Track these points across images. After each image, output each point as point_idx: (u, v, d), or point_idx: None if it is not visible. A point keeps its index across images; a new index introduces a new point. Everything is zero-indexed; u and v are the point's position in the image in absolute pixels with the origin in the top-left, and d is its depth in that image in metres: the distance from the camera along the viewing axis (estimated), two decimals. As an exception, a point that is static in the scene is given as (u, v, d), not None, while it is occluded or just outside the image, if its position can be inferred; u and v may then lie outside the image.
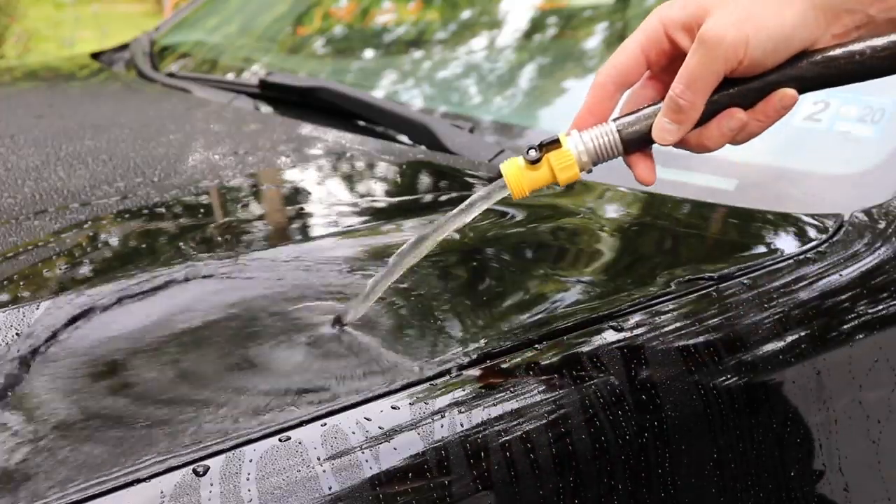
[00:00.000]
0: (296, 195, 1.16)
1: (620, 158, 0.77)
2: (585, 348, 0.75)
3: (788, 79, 0.74)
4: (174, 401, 0.68)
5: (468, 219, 0.77)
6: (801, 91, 0.74)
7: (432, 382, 0.70)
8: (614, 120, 0.77)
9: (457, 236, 0.95)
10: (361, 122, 1.42)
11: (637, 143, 0.76)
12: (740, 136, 0.76)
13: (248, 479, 0.60)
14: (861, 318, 0.88)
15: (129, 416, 0.66)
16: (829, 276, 0.88)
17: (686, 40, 0.75)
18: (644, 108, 0.77)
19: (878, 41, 0.72)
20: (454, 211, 0.77)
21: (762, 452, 0.80)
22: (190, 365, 0.74)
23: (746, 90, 0.74)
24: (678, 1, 0.76)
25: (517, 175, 0.75)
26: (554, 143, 0.75)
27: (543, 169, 0.75)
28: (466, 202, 0.77)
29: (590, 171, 0.76)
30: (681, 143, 0.77)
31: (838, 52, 0.73)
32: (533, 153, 0.75)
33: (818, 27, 0.73)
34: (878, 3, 0.73)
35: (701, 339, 0.79)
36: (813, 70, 0.73)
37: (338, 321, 0.79)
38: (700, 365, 0.78)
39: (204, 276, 0.87)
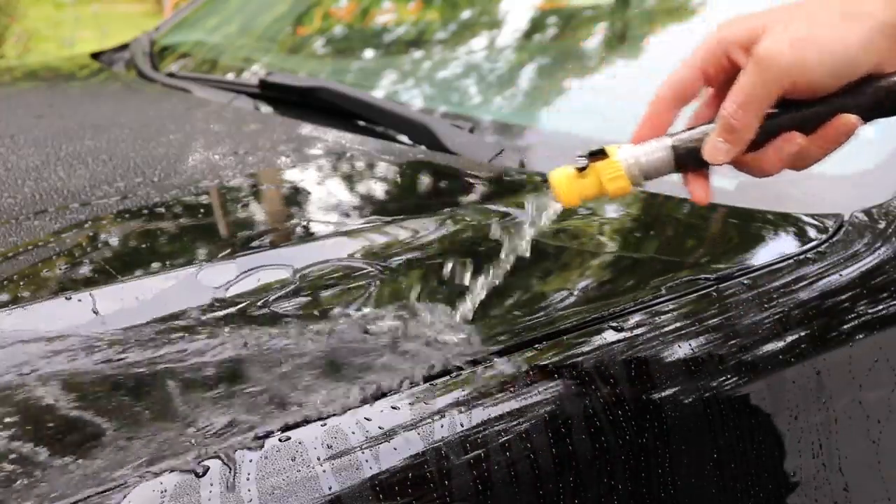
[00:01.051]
0: (295, 195, 1.16)
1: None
2: (585, 348, 0.75)
3: (850, 105, 0.70)
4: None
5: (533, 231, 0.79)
6: (865, 119, 0.71)
7: (432, 382, 0.70)
8: (669, 136, 0.75)
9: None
10: (361, 122, 1.42)
11: (689, 161, 0.74)
12: (799, 162, 0.73)
13: (248, 479, 0.60)
14: (861, 318, 0.88)
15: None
16: (829, 276, 0.88)
17: (744, 58, 0.72)
18: (700, 125, 0.74)
19: None
20: (522, 228, 0.79)
21: (762, 452, 0.80)
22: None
23: (805, 114, 0.71)
24: (739, 18, 0.74)
25: (567, 183, 0.74)
26: (600, 154, 0.73)
27: (591, 178, 0.74)
28: (529, 218, 0.78)
29: (641, 186, 0.75)
30: (739, 165, 0.74)
31: None
32: (581, 160, 0.73)
33: (886, 51, 0.69)
34: None
35: (701, 339, 0.79)
36: (877, 97, 0.70)
37: None
38: (700, 365, 0.78)
39: None
